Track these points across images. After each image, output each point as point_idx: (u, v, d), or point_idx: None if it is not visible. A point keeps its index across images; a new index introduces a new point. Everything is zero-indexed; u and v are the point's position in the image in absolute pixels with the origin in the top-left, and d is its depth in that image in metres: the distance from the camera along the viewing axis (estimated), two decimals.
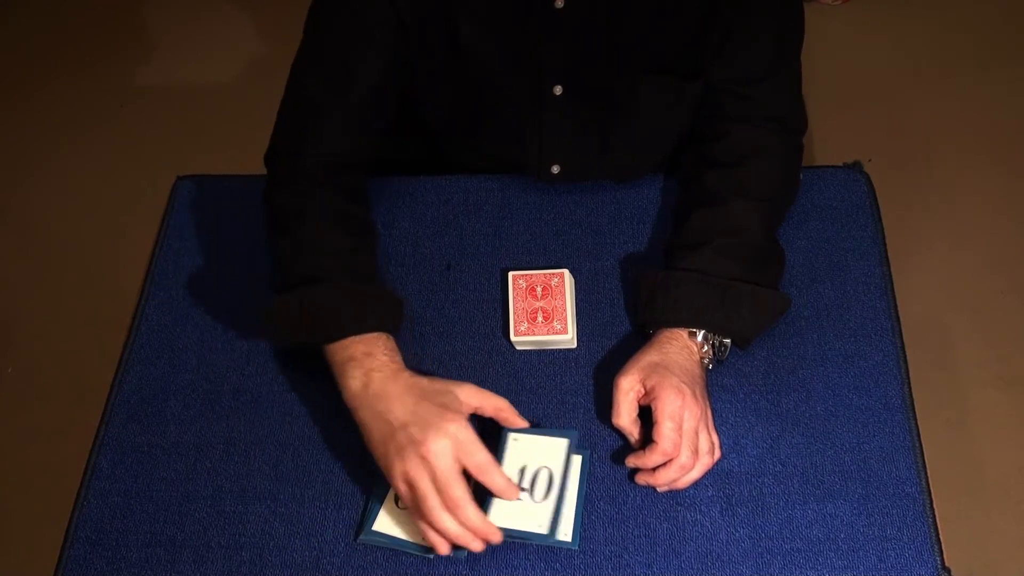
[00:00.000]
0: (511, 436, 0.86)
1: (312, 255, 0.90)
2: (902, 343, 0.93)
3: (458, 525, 0.77)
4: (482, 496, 0.81)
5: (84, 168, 2.13)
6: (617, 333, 0.95)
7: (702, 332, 0.88)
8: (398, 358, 0.87)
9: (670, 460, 0.83)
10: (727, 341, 0.89)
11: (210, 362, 0.97)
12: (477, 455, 0.79)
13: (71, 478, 0.91)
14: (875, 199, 1.03)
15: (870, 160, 1.16)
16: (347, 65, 0.94)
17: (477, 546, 0.79)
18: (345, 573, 0.84)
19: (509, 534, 0.81)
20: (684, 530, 0.84)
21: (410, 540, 0.83)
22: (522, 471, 0.84)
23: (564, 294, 0.94)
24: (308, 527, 0.86)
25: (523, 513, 0.81)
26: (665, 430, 0.82)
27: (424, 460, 0.77)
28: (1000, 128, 2.02)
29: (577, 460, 0.87)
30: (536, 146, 1.02)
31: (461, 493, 0.77)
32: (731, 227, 0.91)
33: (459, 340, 0.96)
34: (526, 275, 0.96)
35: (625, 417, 0.86)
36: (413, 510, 0.80)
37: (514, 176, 1.07)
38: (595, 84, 0.96)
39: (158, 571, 0.85)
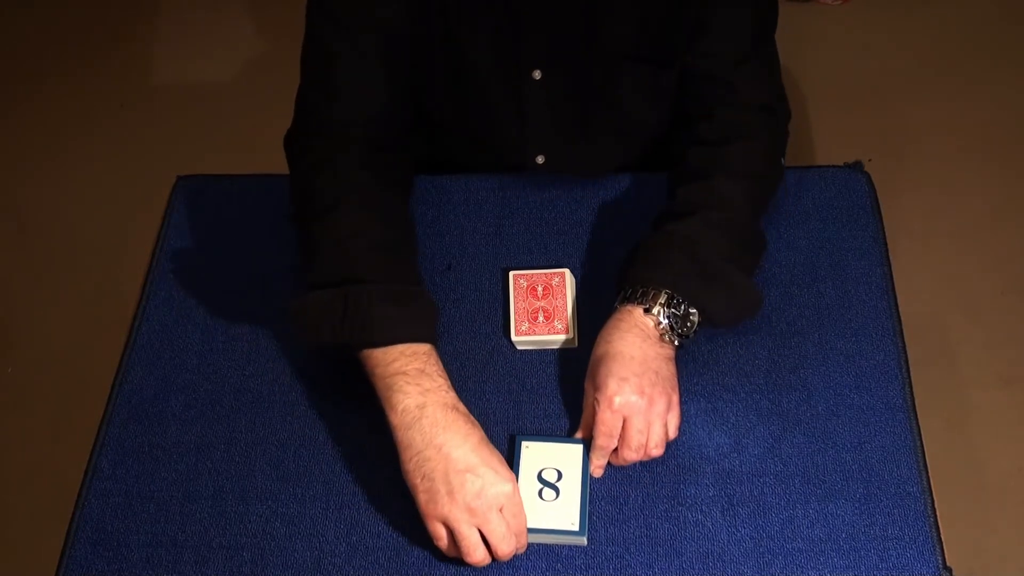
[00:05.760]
0: (523, 444, 0.87)
1: (355, 251, 0.87)
2: (903, 343, 0.94)
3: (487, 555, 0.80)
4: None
5: (84, 168, 2.13)
6: None
7: (658, 305, 0.85)
8: (448, 382, 0.85)
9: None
10: (693, 314, 0.86)
11: (211, 362, 0.96)
12: (520, 518, 0.81)
13: (72, 478, 0.91)
14: (875, 199, 1.03)
15: (870, 160, 1.16)
16: (365, 15, 0.92)
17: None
18: (346, 573, 0.84)
19: (537, 533, 0.82)
20: (685, 530, 0.84)
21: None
22: (539, 475, 0.85)
23: (565, 293, 0.94)
24: (309, 527, 0.86)
25: (549, 513, 0.83)
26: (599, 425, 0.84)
27: (473, 513, 0.78)
28: (1000, 128, 2.02)
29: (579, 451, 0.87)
30: (519, 131, 1.03)
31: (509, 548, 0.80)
32: (718, 201, 0.90)
33: (460, 340, 0.96)
34: (527, 274, 0.96)
35: (586, 430, 0.87)
36: (447, 547, 0.80)
37: (514, 175, 1.07)
38: (573, 70, 0.97)
39: (159, 571, 0.85)
